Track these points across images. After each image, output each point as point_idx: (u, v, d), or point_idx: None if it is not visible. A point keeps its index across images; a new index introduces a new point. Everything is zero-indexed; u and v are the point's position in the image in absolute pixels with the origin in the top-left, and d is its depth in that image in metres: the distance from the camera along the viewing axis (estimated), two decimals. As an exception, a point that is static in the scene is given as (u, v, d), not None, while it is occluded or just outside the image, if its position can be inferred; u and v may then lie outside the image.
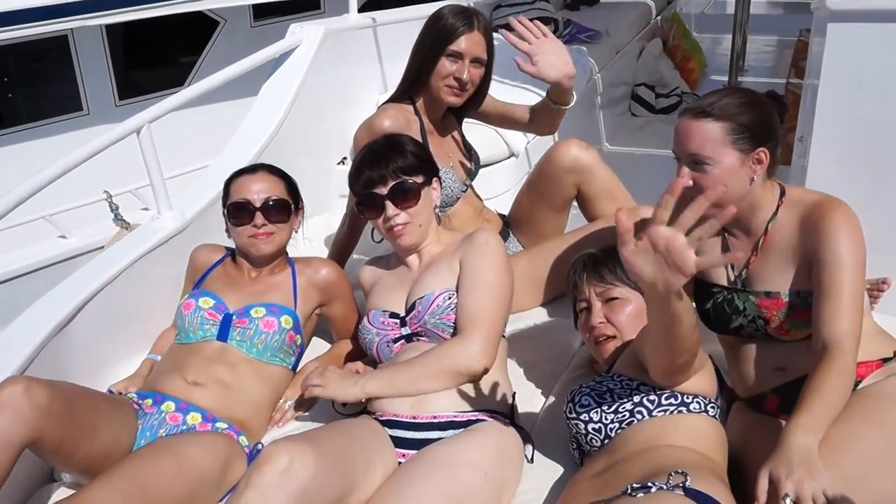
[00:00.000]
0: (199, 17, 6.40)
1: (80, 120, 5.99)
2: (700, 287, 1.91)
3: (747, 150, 1.73)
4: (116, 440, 1.80)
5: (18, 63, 5.89)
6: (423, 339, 1.96)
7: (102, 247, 4.06)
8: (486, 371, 1.84)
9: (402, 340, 1.98)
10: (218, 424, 1.94)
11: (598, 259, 1.97)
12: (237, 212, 2.14)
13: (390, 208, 1.98)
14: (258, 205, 2.12)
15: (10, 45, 5.53)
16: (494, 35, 2.47)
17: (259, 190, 2.14)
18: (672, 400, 1.68)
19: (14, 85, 5.91)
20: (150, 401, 1.94)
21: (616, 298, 1.92)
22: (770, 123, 1.76)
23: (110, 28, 6.02)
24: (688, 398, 1.68)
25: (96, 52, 6.05)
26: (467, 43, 2.33)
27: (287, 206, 2.18)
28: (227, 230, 2.21)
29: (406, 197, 1.98)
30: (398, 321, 1.98)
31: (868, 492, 1.50)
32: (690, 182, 1.73)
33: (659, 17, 5.63)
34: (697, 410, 1.67)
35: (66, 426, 1.67)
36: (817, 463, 1.46)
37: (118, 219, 4.72)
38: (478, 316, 1.86)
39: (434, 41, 2.35)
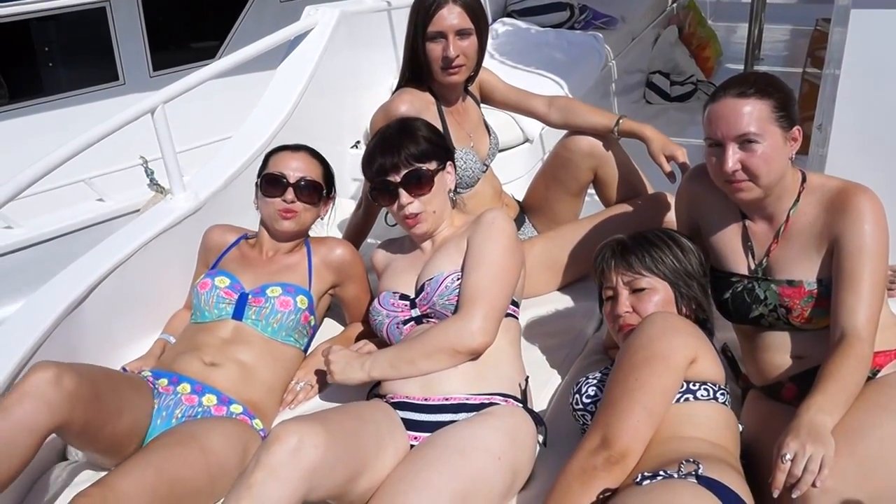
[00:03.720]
0: (231, -9, 6.27)
1: (115, 89, 5.92)
2: (718, 277, 1.80)
3: (787, 127, 1.66)
4: (137, 421, 1.74)
5: (58, 34, 5.81)
6: (432, 320, 1.86)
7: (138, 210, 4.01)
8: (485, 347, 1.75)
9: (412, 322, 1.88)
10: (233, 408, 1.85)
11: (627, 246, 1.80)
12: (270, 183, 2.07)
13: (403, 196, 1.88)
14: (292, 181, 2.05)
15: (51, 17, 5.44)
16: (510, 21, 2.29)
17: (296, 168, 2.07)
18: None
19: (54, 55, 5.84)
20: (165, 381, 1.86)
21: (644, 289, 1.76)
22: (795, 103, 1.70)
23: (146, 0, 5.91)
24: (694, 385, 1.56)
25: (132, 24, 5.99)
26: (445, 19, 2.16)
27: (319, 190, 2.10)
28: (256, 201, 2.12)
29: (419, 184, 1.88)
30: (408, 303, 1.89)
31: (884, 477, 1.44)
32: (739, 166, 1.63)
33: (675, 5, 5.46)
34: (705, 398, 1.56)
35: (92, 411, 1.59)
36: (828, 436, 1.40)
37: (153, 183, 4.65)
38: (478, 293, 1.77)
39: (415, 28, 2.20)
